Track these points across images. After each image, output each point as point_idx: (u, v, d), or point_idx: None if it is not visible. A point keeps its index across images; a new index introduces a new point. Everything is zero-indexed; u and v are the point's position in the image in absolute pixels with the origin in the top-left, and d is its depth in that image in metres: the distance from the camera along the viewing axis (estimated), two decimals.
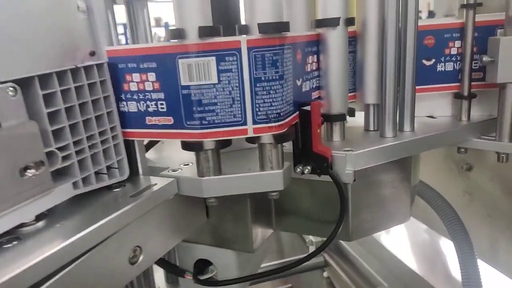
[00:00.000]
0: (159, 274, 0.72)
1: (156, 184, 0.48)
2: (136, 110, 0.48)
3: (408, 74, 0.60)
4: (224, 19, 0.54)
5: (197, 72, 0.44)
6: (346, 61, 0.58)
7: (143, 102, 0.47)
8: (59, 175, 0.43)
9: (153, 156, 0.61)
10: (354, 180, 0.55)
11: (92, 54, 0.45)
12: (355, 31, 0.62)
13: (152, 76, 0.46)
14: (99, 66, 0.45)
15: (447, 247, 0.96)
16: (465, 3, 0.63)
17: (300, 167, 0.54)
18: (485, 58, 0.61)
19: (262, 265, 0.78)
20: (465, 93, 0.66)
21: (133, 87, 0.47)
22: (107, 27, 0.59)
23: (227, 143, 0.48)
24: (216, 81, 0.44)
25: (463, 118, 0.67)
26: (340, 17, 0.55)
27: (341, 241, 1.03)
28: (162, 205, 0.48)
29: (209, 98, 0.45)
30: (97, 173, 0.46)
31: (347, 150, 0.54)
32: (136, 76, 0.47)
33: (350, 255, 0.98)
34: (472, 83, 0.66)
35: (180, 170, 0.51)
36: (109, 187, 0.48)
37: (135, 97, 0.47)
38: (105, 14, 0.59)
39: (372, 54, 0.60)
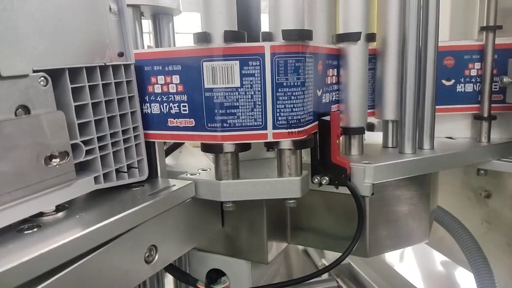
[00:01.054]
0: (168, 287, 0.71)
1: (174, 185, 0.48)
2: (158, 112, 0.49)
3: (428, 92, 0.60)
4: (246, 25, 0.55)
5: (221, 75, 0.45)
6: (366, 76, 0.58)
7: (166, 104, 0.48)
8: (82, 169, 0.44)
9: (172, 162, 0.61)
10: (373, 193, 0.55)
11: (121, 55, 0.46)
12: (375, 49, 0.63)
13: (176, 79, 0.47)
14: (127, 66, 0.47)
15: (465, 277, 0.93)
16: (484, 25, 0.64)
17: (318, 178, 0.54)
18: (506, 79, 0.61)
19: None
20: (485, 114, 0.66)
21: (157, 89, 0.48)
22: (135, 33, 0.62)
23: (247, 147, 0.48)
24: (239, 85, 0.45)
25: (482, 140, 0.67)
26: (361, 32, 0.56)
27: (356, 267, 1.00)
28: (179, 207, 0.48)
29: (231, 101, 0.46)
30: (117, 171, 0.47)
31: (366, 163, 0.54)
32: (161, 79, 0.48)
33: (364, 281, 0.95)
34: (492, 104, 0.66)
35: (198, 174, 0.52)
36: (128, 186, 0.48)
37: (158, 99, 0.48)
38: (133, 21, 0.62)
39: (392, 71, 0.61)
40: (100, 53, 0.44)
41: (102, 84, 0.44)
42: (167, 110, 0.48)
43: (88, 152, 0.42)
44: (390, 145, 0.64)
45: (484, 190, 0.88)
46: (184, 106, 0.47)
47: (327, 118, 0.52)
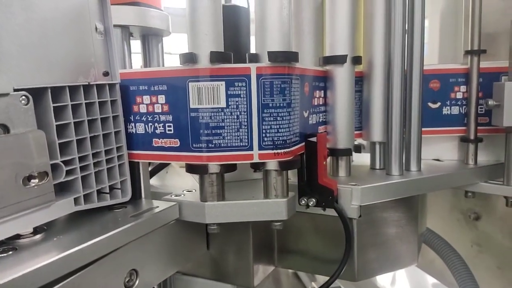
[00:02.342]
0: None
1: (157, 207, 0.47)
2: (143, 132, 0.48)
3: (414, 114, 0.60)
4: (234, 47, 0.56)
5: (207, 95, 0.45)
6: (352, 97, 0.59)
7: (151, 124, 0.48)
8: (62, 190, 0.42)
9: (157, 183, 0.60)
10: (360, 215, 0.54)
11: (106, 74, 0.46)
12: (362, 72, 0.63)
13: (162, 99, 0.47)
14: (111, 86, 0.46)
15: None
16: (469, 49, 0.65)
17: (305, 199, 0.53)
18: (491, 102, 0.62)
19: None
20: (472, 137, 0.66)
21: (143, 109, 0.48)
22: (122, 53, 0.62)
23: (232, 168, 0.47)
24: (225, 105, 0.45)
25: (470, 162, 0.67)
26: (347, 55, 0.57)
27: None
28: (162, 230, 0.47)
29: (216, 122, 0.45)
30: (99, 192, 0.46)
31: (353, 185, 0.54)
32: (146, 98, 0.47)
33: None
34: (478, 127, 0.66)
35: (183, 195, 0.51)
36: (110, 208, 0.47)
37: (143, 118, 0.48)
38: (121, 41, 0.62)
39: (379, 93, 0.61)
40: (84, 72, 0.43)
41: (86, 103, 0.43)
42: (152, 130, 0.48)
43: (68, 172, 0.41)
44: (377, 166, 0.64)
45: (473, 212, 0.88)
46: (169, 126, 0.47)
47: (314, 139, 0.51)
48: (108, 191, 0.46)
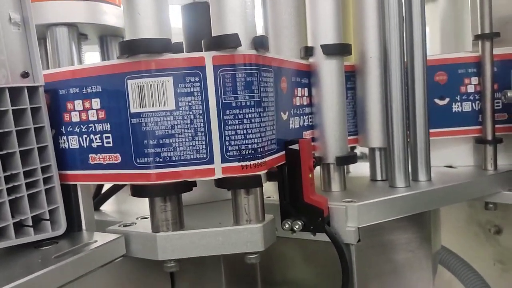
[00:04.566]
0: None
1: (96, 241, 0.37)
2: (77, 147, 0.38)
3: (419, 114, 0.51)
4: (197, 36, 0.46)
5: (150, 96, 0.35)
6: (343, 95, 0.49)
7: (86, 135, 0.38)
8: None
9: (112, 208, 0.50)
10: (359, 240, 0.43)
11: (25, 75, 0.36)
12: (353, 66, 0.54)
13: (96, 103, 0.37)
14: (33, 89, 0.37)
15: None
16: (479, 33, 0.55)
17: (289, 223, 0.43)
18: (510, 94, 0.52)
19: None
20: (489, 137, 0.56)
21: (75, 117, 0.38)
22: (70, 57, 0.52)
23: (189, 187, 0.37)
24: (174, 107, 0.35)
25: (488, 167, 0.57)
26: (332, 44, 0.47)
27: None
28: (105, 270, 0.37)
29: (165, 129, 0.35)
30: (19, 225, 0.36)
31: (348, 201, 0.44)
32: (78, 104, 0.38)
33: None
34: (496, 125, 0.56)
35: (134, 224, 0.40)
36: (38, 244, 0.37)
37: (77, 129, 0.38)
38: (68, 42, 0.53)
39: (375, 90, 0.52)
40: None
41: None
42: (87, 144, 0.38)
43: None
44: (378, 177, 0.54)
45: (494, 225, 0.77)
46: (107, 137, 0.37)
47: (296, 146, 0.41)
48: (31, 223, 0.36)
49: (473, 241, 0.83)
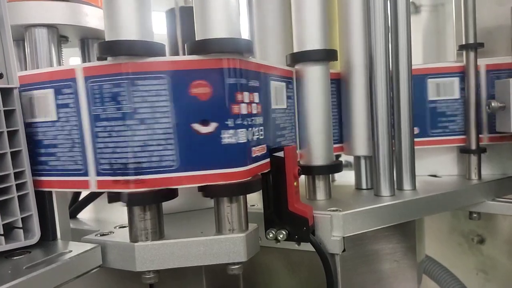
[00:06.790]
0: None
1: (70, 251, 0.35)
2: None
3: (404, 122, 0.50)
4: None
5: (38, 107, 0.37)
6: (328, 102, 0.48)
7: None
8: None
9: (89, 216, 0.48)
10: (344, 250, 0.43)
11: None
12: (339, 73, 0.53)
13: None
14: (7, 91, 0.35)
15: None
16: (463, 43, 0.55)
17: (273, 232, 0.42)
18: (494, 104, 0.52)
19: None
20: (473, 147, 0.56)
21: None
22: (49, 59, 0.50)
23: (169, 195, 0.36)
24: (56, 118, 0.36)
25: (472, 177, 0.57)
26: (318, 50, 0.46)
27: None
28: (80, 281, 0.35)
29: (50, 139, 0.37)
30: None
31: (333, 210, 0.43)
32: None
33: None
34: (480, 135, 0.56)
35: (111, 233, 0.39)
36: (9, 254, 0.35)
37: None
38: (48, 44, 0.51)
39: (360, 98, 0.52)
40: None
41: None
42: None
43: None
44: (364, 186, 0.53)
45: (477, 235, 0.77)
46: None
47: (280, 153, 0.40)
48: (2, 232, 0.34)
49: (456, 250, 0.83)
